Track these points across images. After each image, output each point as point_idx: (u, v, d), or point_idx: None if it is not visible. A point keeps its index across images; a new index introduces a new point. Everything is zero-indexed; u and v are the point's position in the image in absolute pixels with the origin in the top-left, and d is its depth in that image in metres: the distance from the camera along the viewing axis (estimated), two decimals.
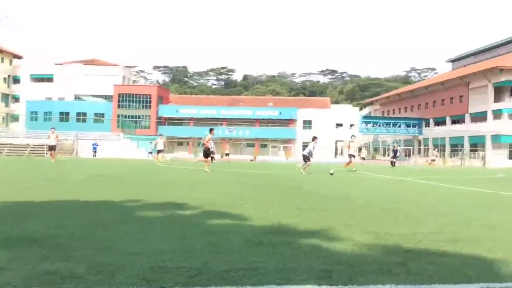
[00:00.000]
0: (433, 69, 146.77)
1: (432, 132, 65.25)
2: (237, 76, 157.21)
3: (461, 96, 61.80)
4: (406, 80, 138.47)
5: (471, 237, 4.88)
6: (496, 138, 54.50)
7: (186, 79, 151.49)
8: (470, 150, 58.18)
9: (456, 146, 60.34)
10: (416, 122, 68.54)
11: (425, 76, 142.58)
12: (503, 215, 7.04)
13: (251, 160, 48.26)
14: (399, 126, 67.43)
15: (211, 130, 19.59)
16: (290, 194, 9.59)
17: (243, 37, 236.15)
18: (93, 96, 73.37)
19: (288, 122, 66.98)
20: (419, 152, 68.63)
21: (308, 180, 14.69)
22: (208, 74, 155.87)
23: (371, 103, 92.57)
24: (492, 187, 13.40)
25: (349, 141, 25.01)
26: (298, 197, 8.98)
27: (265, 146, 64.06)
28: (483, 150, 56.03)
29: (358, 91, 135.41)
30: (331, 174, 17.49)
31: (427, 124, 67.88)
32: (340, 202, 8.31)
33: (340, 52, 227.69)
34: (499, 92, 55.81)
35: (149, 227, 5.01)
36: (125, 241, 4.23)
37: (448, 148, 61.29)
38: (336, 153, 65.31)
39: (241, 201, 7.74)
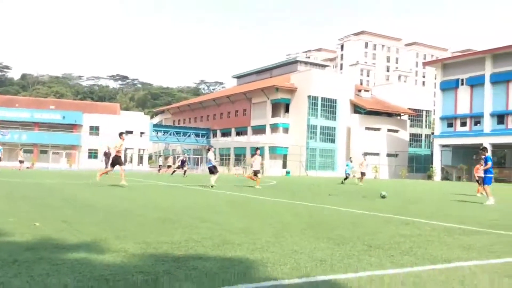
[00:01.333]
0: (221, 83, 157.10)
1: (218, 142, 69.29)
2: (14, 74, 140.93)
3: (244, 110, 67.28)
4: (196, 92, 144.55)
5: (235, 241, 5.23)
6: (272, 149, 60.83)
7: None
8: None
9: (239, 156, 65.25)
10: (204, 132, 71.82)
11: (213, 89, 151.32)
12: (267, 221, 7.78)
13: (28, 167, 43.55)
14: (189, 136, 69.68)
15: (121, 134, 16.35)
16: (62, 206, 8.89)
17: (21, 31, 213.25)
18: None
19: (72, 127, 62.55)
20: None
21: (84, 191, 13.91)
22: None
23: (162, 112, 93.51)
24: (266, 194, 14.80)
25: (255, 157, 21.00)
26: (71, 209, 8.38)
27: (46, 152, 58.49)
28: (262, 160, 61.89)
29: (150, 99, 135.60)
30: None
31: (215, 135, 71.81)
32: (116, 213, 8.06)
33: (131, 58, 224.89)
34: (276, 108, 62.59)
35: None
36: None
37: (232, 158, 65.83)
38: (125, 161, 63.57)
39: (4, 215, 6.83)
